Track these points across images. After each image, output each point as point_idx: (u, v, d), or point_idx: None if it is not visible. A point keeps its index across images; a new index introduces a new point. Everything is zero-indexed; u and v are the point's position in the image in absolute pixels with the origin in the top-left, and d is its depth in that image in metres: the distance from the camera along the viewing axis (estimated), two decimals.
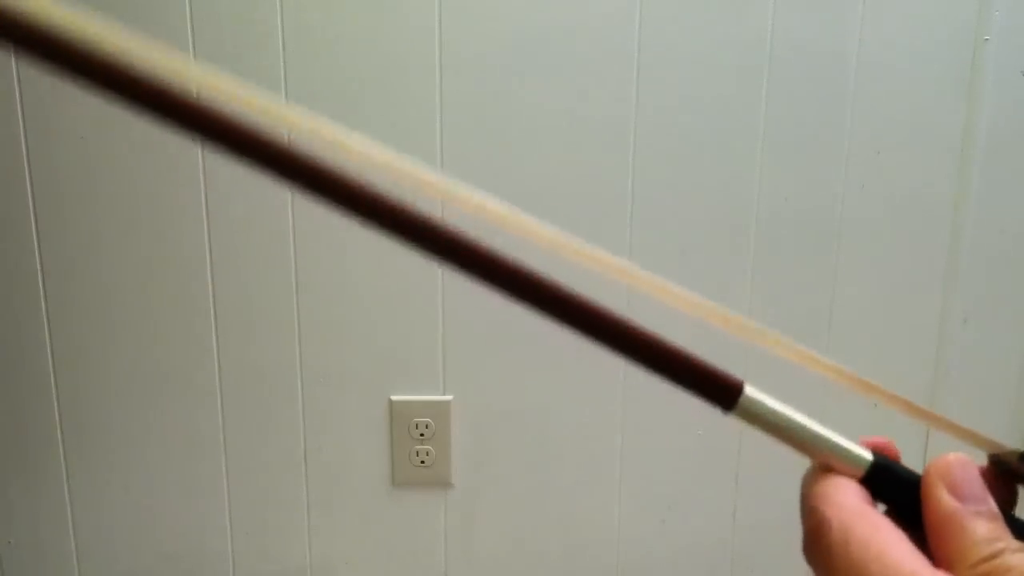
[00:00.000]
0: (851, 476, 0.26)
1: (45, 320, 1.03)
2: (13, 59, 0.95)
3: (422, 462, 1.08)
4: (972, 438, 0.28)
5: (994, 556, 0.23)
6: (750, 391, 0.25)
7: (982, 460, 0.27)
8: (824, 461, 0.26)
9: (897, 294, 1.06)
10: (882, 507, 0.26)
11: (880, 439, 0.28)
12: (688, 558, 1.13)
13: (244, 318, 1.03)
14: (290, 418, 1.06)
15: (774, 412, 0.25)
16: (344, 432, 1.07)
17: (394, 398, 1.06)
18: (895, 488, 0.26)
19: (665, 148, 0.99)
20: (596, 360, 1.05)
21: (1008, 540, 0.23)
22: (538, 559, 1.13)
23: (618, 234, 1.01)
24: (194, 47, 0.95)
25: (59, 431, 1.07)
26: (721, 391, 0.24)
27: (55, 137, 0.98)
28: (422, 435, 1.07)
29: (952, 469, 0.25)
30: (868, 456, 0.26)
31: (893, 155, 1.01)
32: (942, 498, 0.24)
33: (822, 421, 0.25)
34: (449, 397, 1.06)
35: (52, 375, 1.05)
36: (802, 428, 0.25)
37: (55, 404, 1.06)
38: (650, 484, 1.11)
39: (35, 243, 1.00)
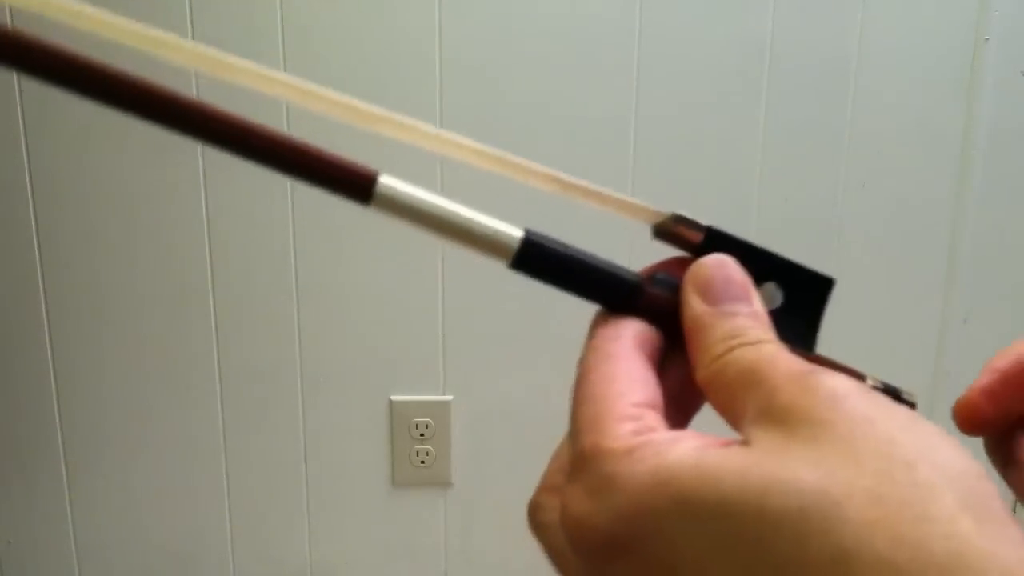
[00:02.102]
0: (504, 260, 0.23)
1: (45, 320, 1.03)
2: None
3: (422, 462, 1.08)
4: (630, 209, 0.25)
5: (728, 351, 0.20)
6: (386, 180, 0.23)
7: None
8: (476, 250, 0.23)
9: (897, 294, 1.06)
10: None
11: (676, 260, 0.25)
12: None
13: (244, 318, 1.03)
14: (290, 419, 1.06)
15: (413, 199, 0.23)
16: (344, 432, 1.07)
17: (394, 398, 1.06)
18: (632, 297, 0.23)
19: (665, 148, 0.99)
20: None
21: (750, 335, 0.20)
22: (538, 559, 1.12)
23: (617, 234, 1.01)
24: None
25: (59, 431, 1.07)
26: (355, 184, 0.23)
27: (55, 137, 0.98)
28: (422, 435, 1.07)
29: (704, 270, 0.22)
30: (517, 235, 0.23)
31: (893, 155, 1.01)
32: (691, 304, 0.22)
33: None
34: (449, 397, 1.06)
35: (52, 375, 1.05)
36: (444, 212, 0.23)
37: (55, 404, 1.06)
38: None
39: (35, 243, 1.00)
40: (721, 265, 0.23)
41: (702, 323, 0.21)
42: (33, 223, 1.00)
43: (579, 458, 0.20)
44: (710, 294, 0.22)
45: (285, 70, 0.99)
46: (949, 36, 0.98)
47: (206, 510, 1.09)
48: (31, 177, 0.99)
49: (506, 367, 1.06)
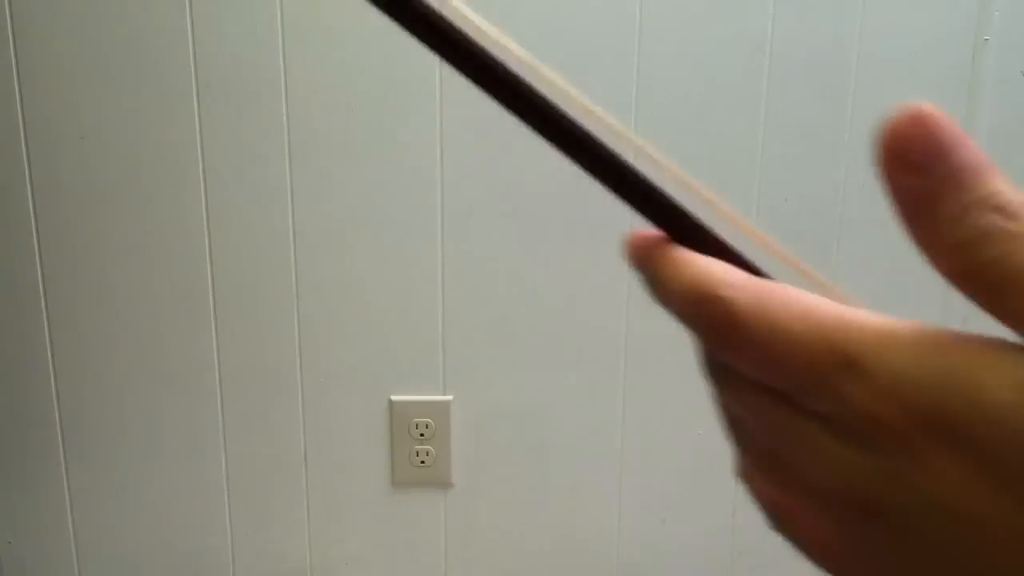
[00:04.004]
0: None
1: (45, 320, 1.03)
2: (13, 59, 0.95)
3: (422, 462, 1.08)
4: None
5: (980, 239, 0.17)
6: None
7: None
8: None
9: (897, 294, 1.06)
10: None
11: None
12: (688, 558, 1.13)
13: (244, 318, 1.03)
14: (290, 418, 1.06)
15: None
16: (344, 432, 1.07)
17: (394, 398, 1.06)
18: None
19: (665, 148, 0.99)
20: (596, 360, 1.05)
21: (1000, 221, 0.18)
22: (538, 559, 1.12)
23: (617, 234, 1.01)
24: (194, 47, 0.95)
25: (59, 431, 1.07)
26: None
27: (55, 137, 0.98)
28: (422, 435, 1.07)
29: (895, 135, 0.18)
30: None
31: None
32: (903, 184, 0.19)
33: None
34: (449, 397, 1.06)
35: (52, 375, 1.05)
36: None
37: (55, 404, 1.06)
38: (650, 484, 1.11)
39: (35, 243, 1.00)
40: (915, 122, 0.18)
41: (928, 205, 0.18)
42: (33, 223, 1.00)
43: None
44: (919, 162, 0.18)
45: (284, 68, 0.99)
46: (949, 36, 0.98)
47: (206, 510, 1.09)
48: (31, 177, 0.99)
49: (506, 367, 1.06)
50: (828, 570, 0.20)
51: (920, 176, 0.18)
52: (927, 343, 0.17)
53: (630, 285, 0.96)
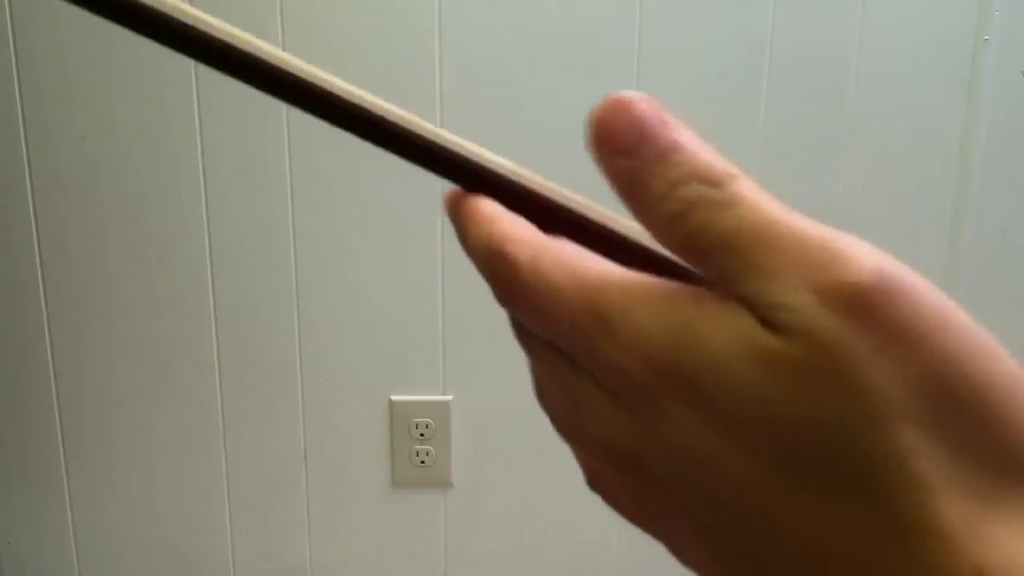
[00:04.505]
0: None
1: (45, 320, 1.03)
2: (13, 59, 0.95)
3: (422, 462, 1.08)
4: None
5: (687, 208, 0.19)
6: None
7: None
8: None
9: None
10: None
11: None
12: None
13: (244, 318, 1.03)
14: (290, 418, 1.06)
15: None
16: (344, 432, 1.07)
17: (394, 398, 1.06)
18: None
19: None
20: None
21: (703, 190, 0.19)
22: (538, 559, 1.13)
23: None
24: None
25: (59, 431, 1.07)
26: None
27: (55, 137, 0.98)
28: (422, 435, 1.07)
29: (601, 123, 0.20)
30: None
31: (893, 155, 1.01)
32: (612, 167, 0.19)
33: None
34: (449, 397, 1.06)
35: (52, 376, 1.05)
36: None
37: (55, 404, 1.06)
38: None
39: (35, 243, 1.00)
40: (617, 108, 0.19)
41: (638, 184, 0.19)
42: (33, 223, 1.00)
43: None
44: (624, 146, 0.19)
45: None
46: (949, 36, 0.98)
47: (206, 509, 1.09)
48: (31, 177, 0.99)
49: (506, 367, 1.05)
50: (639, 527, 0.21)
51: (628, 159, 0.19)
52: (664, 298, 0.18)
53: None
